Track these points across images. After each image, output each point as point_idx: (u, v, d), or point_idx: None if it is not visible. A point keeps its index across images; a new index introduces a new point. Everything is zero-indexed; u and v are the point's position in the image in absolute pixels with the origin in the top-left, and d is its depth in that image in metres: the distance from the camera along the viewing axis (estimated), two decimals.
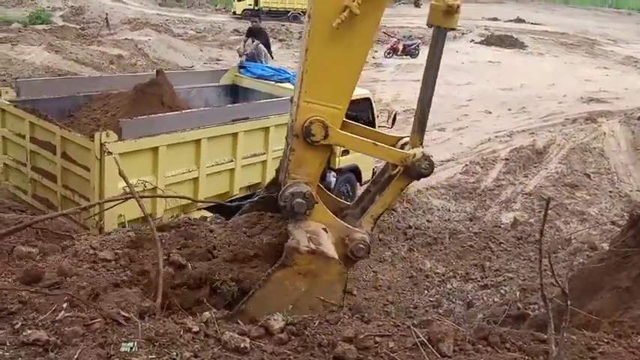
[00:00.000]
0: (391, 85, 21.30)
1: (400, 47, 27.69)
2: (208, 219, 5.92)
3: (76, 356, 2.83)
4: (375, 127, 10.40)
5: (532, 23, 43.08)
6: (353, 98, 9.95)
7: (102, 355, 2.87)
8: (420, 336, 3.35)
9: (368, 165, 10.55)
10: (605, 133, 16.56)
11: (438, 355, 3.25)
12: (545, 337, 3.45)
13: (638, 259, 4.98)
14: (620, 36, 39.58)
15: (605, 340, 3.63)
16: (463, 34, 35.87)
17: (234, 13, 38.11)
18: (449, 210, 11.34)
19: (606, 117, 18.17)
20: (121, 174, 4.85)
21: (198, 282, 4.32)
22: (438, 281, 8.68)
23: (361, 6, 4.13)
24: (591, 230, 10.40)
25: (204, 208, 7.50)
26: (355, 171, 10.41)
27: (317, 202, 4.59)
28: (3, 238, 4.21)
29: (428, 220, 10.75)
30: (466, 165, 13.63)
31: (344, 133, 4.69)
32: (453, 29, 4.80)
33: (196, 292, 4.29)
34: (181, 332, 3.13)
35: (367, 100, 10.67)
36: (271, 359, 3.18)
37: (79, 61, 19.41)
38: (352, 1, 4.11)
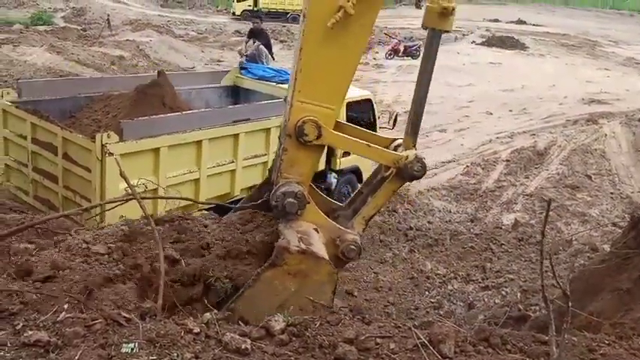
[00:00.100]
0: (392, 86, 21.31)
1: (401, 48, 27.71)
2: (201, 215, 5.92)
3: (77, 357, 2.83)
4: (376, 128, 10.43)
5: (533, 24, 43.07)
6: (354, 99, 10.21)
7: (103, 356, 2.87)
8: (421, 337, 3.35)
9: (369, 166, 10.53)
10: (606, 135, 16.55)
11: (439, 357, 3.25)
12: (547, 338, 3.45)
13: (638, 260, 4.98)
14: (621, 37, 39.55)
15: (606, 342, 3.63)
16: (464, 35, 35.89)
17: (234, 13, 38.21)
18: (450, 211, 11.34)
19: (607, 118, 18.15)
20: (122, 175, 4.85)
21: (192, 279, 4.31)
22: (439, 282, 8.67)
23: (356, 6, 4.13)
24: (592, 232, 10.39)
25: (205, 209, 7.50)
26: (356, 172, 10.41)
27: (309, 202, 4.58)
28: (4, 238, 4.21)
29: (429, 222, 10.75)
30: (467, 166, 13.62)
31: (337, 133, 4.69)
32: (448, 31, 4.80)
33: (190, 290, 4.28)
34: (182, 333, 3.13)
35: (368, 101, 10.69)
36: None
37: (81, 62, 19.43)
38: (347, 2, 4.11)
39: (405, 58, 27.33)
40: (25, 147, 7.71)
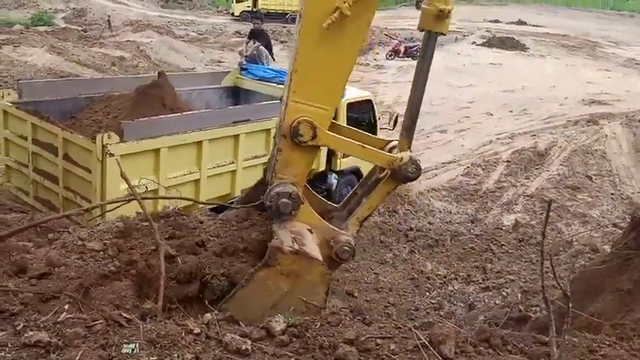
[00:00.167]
0: (393, 87, 21.31)
1: (402, 49, 27.71)
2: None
3: (77, 358, 2.83)
4: (376, 129, 10.44)
5: (533, 25, 43.04)
6: (355, 100, 10.21)
7: (103, 356, 2.87)
8: (422, 338, 3.35)
9: (370, 167, 10.54)
10: (606, 136, 16.53)
11: (440, 358, 3.24)
12: (547, 339, 3.45)
13: (639, 261, 4.97)
14: (621, 38, 39.53)
15: (607, 343, 3.63)
16: (465, 36, 35.90)
17: (232, 14, 38.29)
18: (450, 212, 11.34)
19: (608, 119, 18.14)
20: (122, 176, 4.85)
21: (189, 277, 4.31)
22: (440, 283, 8.67)
23: (352, 7, 4.13)
24: (593, 232, 10.38)
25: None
26: (357, 173, 10.41)
27: (303, 203, 4.56)
28: (5, 239, 4.21)
29: (429, 222, 10.75)
30: (467, 167, 13.62)
31: (332, 134, 4.68)
32: (444, 34, 4.80)
33: (186, 287, 4.28)
34: (183, 334, 3.13)
35: (369, 102, 10.70)
36: None
37: (81, 63, 19.44)
38: (343, 2, 4.11)
39: (406, 58, 27.32)
40: (25, 148, 7.72)
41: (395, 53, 27.70)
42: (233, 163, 8.09)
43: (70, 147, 7.11)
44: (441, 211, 11.31)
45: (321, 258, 4.31)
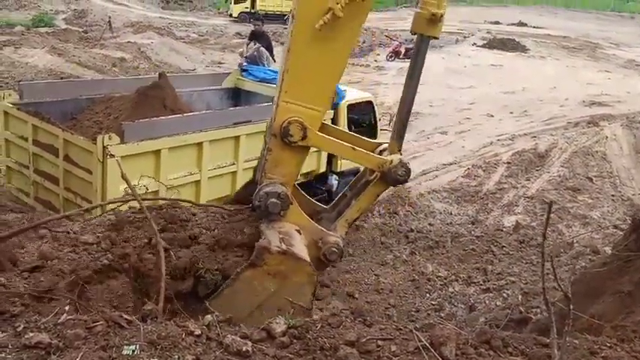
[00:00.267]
0: (393, 88, 21.29)
1: (402, 50, 27.70)
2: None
3: (77, 359, 2.83)
4: (377, 130, 10.45)
5: (534, 27, 43.08)
6: (355, 101, 10.21)
7: (104, 357, 2.87)
8: (423, 340, 3.34)
9: None
10: (607, 137, 16.53)
11: (440, 359, 3.24)
12: (548, 341, 3.44)
13: None
14: (622, 39, 39.55)
15: (608, 345, 3.62)
16: (465, 37, 35.93)
17: (231, 15, 38.32)
18: (451, 213, 11.33)
19: (608, 120, 18.14)
20: (123, 177, 4.85)
21: (183, 272, 4.30)
22: (440, 285, 8.66)
23: (344, 9, 4.12)
24: (593, 234, 10.38)
25: None
26: (357, 174, 10.40)
27: (292, 203, 4.56)
28: (5, 240, 4.21)
29: (430, 224, 10.75)
30: (468, 168, 13.62)
31: (322, 135, 4.68)
32: (436, 38, 4.80)
33: (180, 284, 4.27)
34: (183, 335, 3.13)
35: (369, 103, 10.70)
36: None
37: (82, 64, 19.46)
38: (336, 4, 4.11)
39: (406, 60, 27.18)
40: (26, 149, 7.72)
41: (395, 55, 27.71)
42: (234, 164, 8.09)
43: (70, 148, 7.11)
44: (441, 213, 11.30)
45: (308, 259, 4.30)
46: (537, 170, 13.90)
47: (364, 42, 30.28)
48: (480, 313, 7.68)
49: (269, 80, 10.18)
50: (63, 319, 3.17)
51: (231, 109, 9.69)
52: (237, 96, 10.52)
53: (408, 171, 4.85)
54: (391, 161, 4.77)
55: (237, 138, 8.05)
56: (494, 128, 17.32)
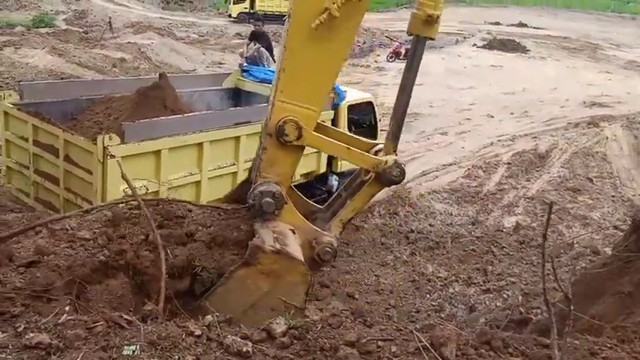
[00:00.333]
0: (393, 89, 21.13)
1: (402, 51, 27.66)
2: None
3: (78, 359, 2.83)
4: (377, 131, 10.45)
5: (534, 27, 43.11)
6: (355, 102, 10.21)
7: (104, 358, 2.87)
8: (423, 340, 3.34)
9: None
10: (607, 138, 16.53)
11: None
12: (548, 341, 3.44)
13: None
14: (622, 40, 39.57)
15: (608, 345, 3.62)
16: (465, 38, 35.95)
17: (230, 15, 38.31)
18: (451, 214, 11.33)
19: (609, 121, 18.14)
20: (124, 177, 4.85)
21: (180, 271, 4.30)
22: (440, 285, 8.66)
23: (341, 9, 4.12)
24: (594, 235, 10.37)
25: None
26: None
27: (286, 203, 4.56)
28: (5, 241, 4.21)
29: (430, 224, 10.74)
30: (468, 169, 13.61)
31: (318, 135, 4.68)
32: (432, 39, 4.80)
33: (178, 283, 4.26)
34: (183, 336, 3.13)
35: (370, 103, 10.70)
36: None
37: (82, 65, 19.46)
38: (332, 3, 4.10)
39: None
40: (26, 149, 7.72)
41: (396, 55, 27.71)
42: (234, 164, 8.08)
43: (70, 148, 7.11)
44: (441, 213, 11.30)
45: (302, 258, 4.30)
46: (537, 171, 13.90)
47: (364, 43, 30.30)
48: (481, 314, 7.67)
49: (269, 81, 10.15)
50: (63, 320, 3.17)
51: (232, 109, 9.69)
52: (237, 96, 10.52)
53: (403, 172, 4.86)
54: (386, 162, 4.77)
55: (237, 138, 8.05)
56: (495, 129, 17.32)
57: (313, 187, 9.59)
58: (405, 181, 12.41)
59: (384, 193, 11.26)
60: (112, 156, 6.57)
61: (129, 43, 24.42)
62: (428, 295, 8.40)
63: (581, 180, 13.37)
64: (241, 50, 15.19)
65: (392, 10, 47.85)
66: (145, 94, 8.23)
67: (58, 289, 3.85)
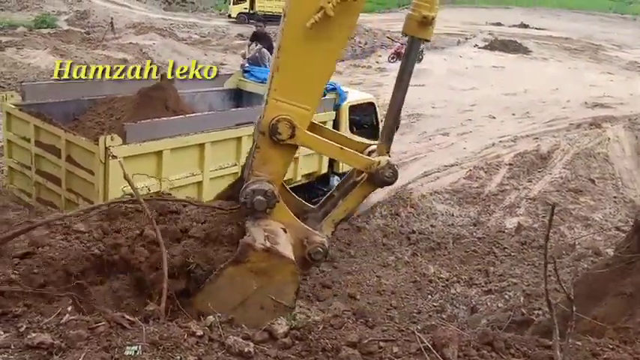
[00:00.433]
0: None
1: (404, 52, 27.69)
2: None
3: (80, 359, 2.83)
4: (378, 131, 10.43)
5: (536, 28, 43.11)
6: (357, 102, 10.21)
7: (106, 358, 2.87)
8: (425, 341, 3.34)
9: None
10: (609, 139, 16.52)
11: None
12: (550, 343, 3.44)
13: None
14: (624, 41, 39.56)
15: (610, 347, 3.61)
16: (467, 39, 35.93)
17: (230, 16, 38.29)
18: (452, 215, 11.32)
19: (610, 122, 18.12)
20: (125, 177, 4.85)
21: (179, 270, 4.29)
22: (442, 286, 8.66)
23: (336, 8, 4.12)
24: (596, 236, 10.36)
25: None
26: None
27: (278, 201, 4.55)
28: (6, 242, 4.20)
29: (431, 225, 10.74)
30: (470, 170, 13.60)
31: (311, 134, 4.67)
32: (427, 40, 4.80)
33: (176, 283, 4.26)
34: (185, 336, 3.13)
35: (371, 104, 10.71)
36: None
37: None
38: (327, 3, 4.10)
39: None
40: (28, 149, 7.74)
41: (397, 56, 27.61)
42: (235, 165, 8.08)
43: (72, 149, 7.12)
44: (443, 214, 11.29)
45: (292, 257, 4.28)
46: (539, 172, 13.88)
47: (366, 43, 30.31)
48: (482, 315, 7.66)
49: None
50: (65, 320, 3.17)
51: (233, 110, 9.70)
52: (239, 97, 10.53)
53: (396, 173, 4.86)
54: (379, 163, 4.77)
55: (239, 139, 8.05)
56: (496, 130, 17.31)
57: (315, 187, 9.60)
58: (406, 181, 12.55)
59: (385, 194, 11.28)
60: (114, 156, 6.59)
61: (130, 43, 24.46)
62: (429, 296, 8.39)
63: (583, 181, 13.35)
64: (243, 51, 15.20)
65: (393, 11, 47.83)
66: (146, 94, 8.25)
67: (56, 283, 3.86)
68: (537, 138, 16.39)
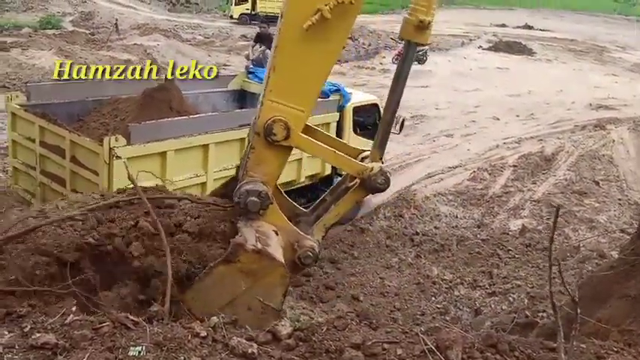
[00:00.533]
0: None
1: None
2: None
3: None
4: None
5: (540, 30, 43.06)
6: (361, 104, 10.21)
7: (110, 358, 2.88)
8: (428, 343, 3.33)
9: None
10: (614, 141, 16.48)
11: None
12: (555, 345, 3.43)
13: None
14: (629, 43, 39.46)
15: (615, 349, 3.60)
16: (471, 40, 35.90)
17: (232, 17, 38.32)
18: (456, 216, 11.31)
19: (615, 124, 18.09)
20: (130, 178, 4.86)
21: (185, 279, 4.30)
22: (446, 288, 8.64)
23: (333, 10, 4.12)
24: (600, 238, 10.33)
25: None
26: None
27: (272, 203, 4.55)
28: (7, 242, 4.20)
29: (435, 227, 10.72)
30: (474, 171, 13.59)
31: (305, 137, 4.66)
32: (424, 45, 4.79)
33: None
34: (189, 337, 3.14)
35: (375, 105, 10.70)
36: None
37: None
38: (324, 5, 4.10)
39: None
40: (33, 150, 7.75)
41: (400, 57, 27.69)
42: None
43: (77, 149, 7.13)
44: (447, 216, 11.28)
45: (282, 260, 4.28)
46: (544, 174, 13.86)
47: (370, 45, 30.30)
48: (486, 317, 7.65)
49: None
50: (70, 320, 3.18)
51: (237, 111, 9.71)
52: (242, 98, 10.54)
53: (388, 180, 4.85)
54: (372, 169, 4.76)
55: (242, 140, 8.02)
56: (501, 131, 17.29)
57: (318, 189, 9.59)
58: (410, 183, 12.53)
59: (389, 196, 11.27)
60: (118, 157, 6.60)
61: (135, 44, 24.53)
62: (433, 298, 8.38)
63: (587, 183, 13.32)
64: (247, 52, 15.22)
65: (397, 12, 47.82)
66: (150, 95, 8.26)
67: (56, 276, 3.87)
68: (542, 140, 16.36)
